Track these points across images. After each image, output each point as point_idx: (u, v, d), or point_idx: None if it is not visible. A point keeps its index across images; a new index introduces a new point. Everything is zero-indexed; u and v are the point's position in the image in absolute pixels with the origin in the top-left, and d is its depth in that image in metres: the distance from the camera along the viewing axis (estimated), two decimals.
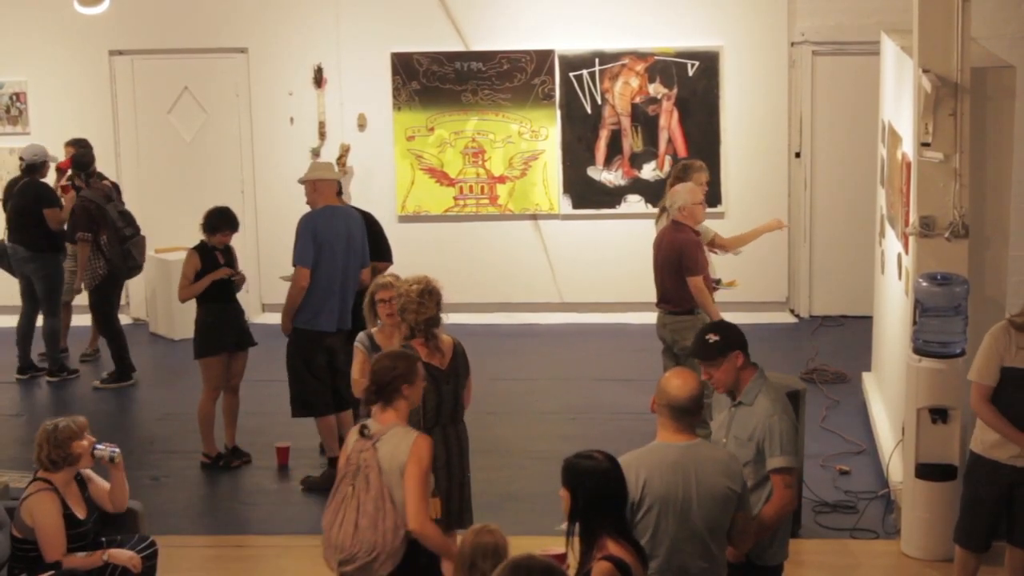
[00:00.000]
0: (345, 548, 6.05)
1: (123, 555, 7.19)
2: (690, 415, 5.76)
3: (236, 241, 10.54)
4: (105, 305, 12.17)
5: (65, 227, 12.13)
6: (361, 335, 7.97)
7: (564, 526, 5.36)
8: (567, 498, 5.29)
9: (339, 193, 10.19)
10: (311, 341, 9.67)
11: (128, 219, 12.17)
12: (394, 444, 6.17)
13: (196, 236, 10.27)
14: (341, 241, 9.76)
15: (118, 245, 12.00)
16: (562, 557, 5.54)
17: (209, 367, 10.09)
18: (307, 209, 10.11)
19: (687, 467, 5.68)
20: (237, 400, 10.28)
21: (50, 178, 12.62)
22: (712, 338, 6.25)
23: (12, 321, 13.22)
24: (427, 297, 7.20)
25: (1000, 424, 7.25)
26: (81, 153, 12.40)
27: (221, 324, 10.12)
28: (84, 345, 12.98)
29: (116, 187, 12.56)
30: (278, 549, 8.87)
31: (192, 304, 10.24)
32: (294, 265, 9.79)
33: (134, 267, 12.25)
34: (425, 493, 6.11)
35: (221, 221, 10.19)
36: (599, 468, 5.30)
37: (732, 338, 6.28)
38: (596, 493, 5.26)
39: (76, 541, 7.14)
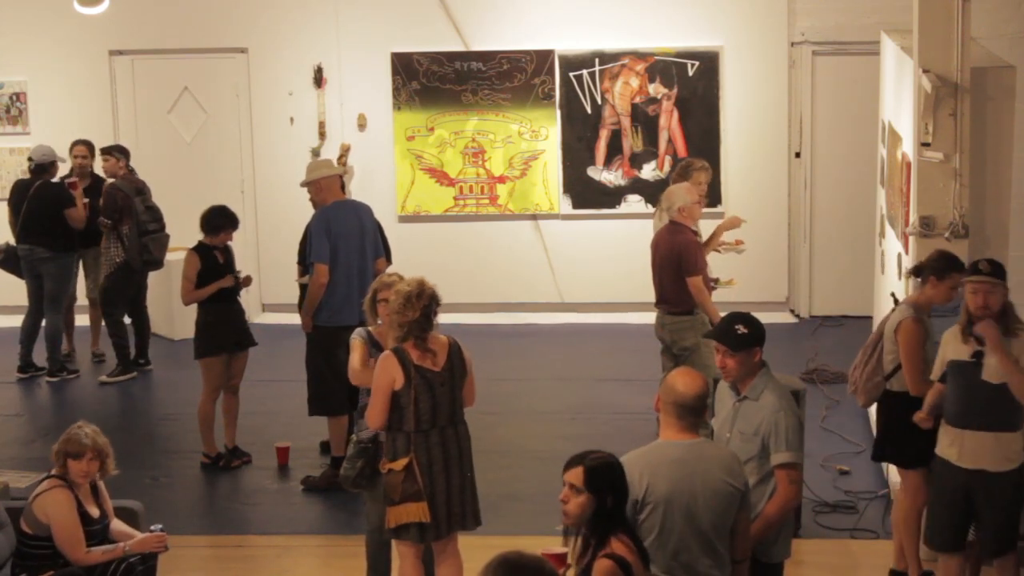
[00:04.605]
0: (854, 382, 8.07)
1: (143, 544, 7.16)
2: (695, 414, 5.76)
3: (236, 241, 10.54)
4: (114, 294, 12.26)
5: (86, 224, 12.30)
6: (359, 330, 7.91)
7: (561, 526, 5.36)
8: (587, 502, 5.24)
9: (342, 188, 10.20)
10: (332, 338, 9.58)
11: (155, 215, 12.30)
12: (892, 318, 7.86)
13: (196, 236, 10.26)
14: (355, 234, 9.78)
15: (137, 238, 12.08)
16: (563, 557, 5.53)
17: (209, 367, 10.09)
18: (310, 208, 10.12)
19: (691, 464, 5.67)
20: (237, 400, 10.27)
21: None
22: (741, 330, 6.25)
23: (12, 321, 13.26)
24: (413, 301, 7.11)
25: None
26: (119, 146, 12.59)
27: (222, 324, 10.11)
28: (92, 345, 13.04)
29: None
30: (278, 549, 8.87)
31: (193, 304, 10.23)
32: (310, 263, 9.77)
33: (150, 261, 12.31)
34: (919, 365, 7.64)
35: (223, 220, 10.18)
36: (620, 467, 5.30)
37: (757, 334, 6.30)
38: (622, 493, 5.26)
39: (87, 540, 7.11)
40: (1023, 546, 7.63)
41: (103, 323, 12.65)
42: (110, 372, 12.33)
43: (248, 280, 10.33)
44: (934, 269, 7.66)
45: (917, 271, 7.85)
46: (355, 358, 7.77)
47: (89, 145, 12.72)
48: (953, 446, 7.28)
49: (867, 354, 7.96)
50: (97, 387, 12.23)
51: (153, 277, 12.88)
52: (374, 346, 7.73)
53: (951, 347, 7.29)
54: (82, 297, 12.94)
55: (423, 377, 7.11)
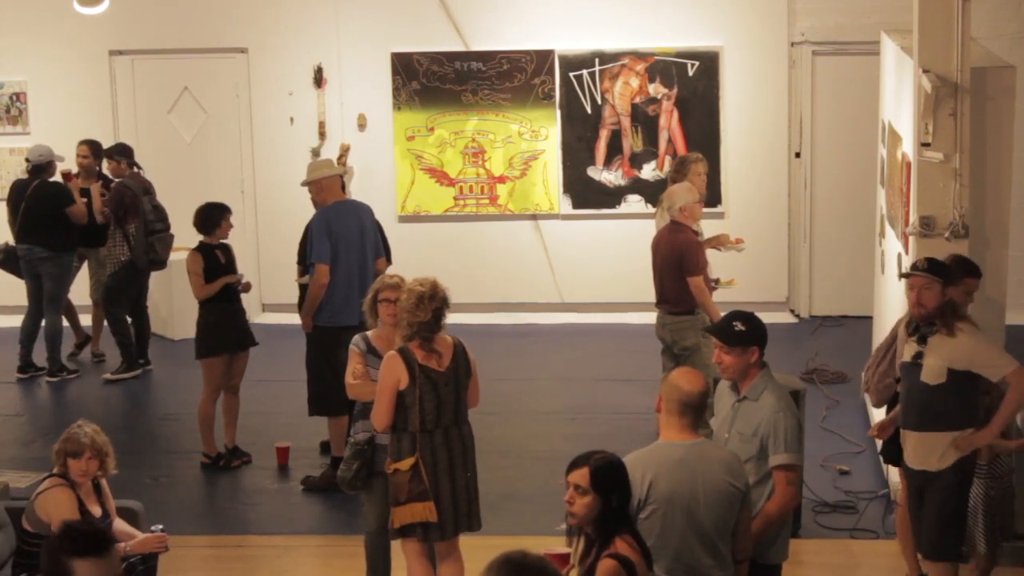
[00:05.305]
0: (867, 381, 8.20)
1: (144, 545, 7.17)
2: (697, 412, 5.78)
3: (236, 242, 10.52)
4: (118, 293, 12.30)
5: (87, 221, 12.32)
6: (356, 338, 7.85)
7: (564, 526, 5.36)
8: (592, 502, 5.24)
9: (342, 189, 10.20)
10: (332, 338, 9.56)
11: (160, 214, 12.35)
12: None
13: (194, 236, 10.25)
14: (355, 234, 9.78)
15: (144, 237, 12.13)
16: (566, 557, 5.53)
17: (210, 367, 10.08)
18: (310, 208, 10.12)
19: (693, 465, 5.69)
20: (237, 400, 10.27)
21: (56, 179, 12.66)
22: (739, 327, 6.26)
23: (12, 321, 13.26)
24: (425, 303, 7.12)
25: None
26: (121, 144, 12.66)
27: (223, 324, 10.11)
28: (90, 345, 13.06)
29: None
30: (278, 549, 8.87)
31: (193, 304, 10.24)
32: (310, 263, 9.76)
33: (155, 261, 12.36)
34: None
35: (218, 212, 10.15)
36: (624, 467, 5.30)
37: (756, 333, 6.30)
38: (626, 493, 5.27)
39: None
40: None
41: (104, 323, 12.70)
42: (114, 370, 12.35)
43: (248, 286, 10.33)
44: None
45: None
46: (348, 372, 7.76)
47: (92, 145, 12.72)
48: (904, 447, 7.34)
49: (880, 355, 7.96)
50: (98, 387, 12.24)
51: (154, 277, 12.88)
52: (371, 353, 7.70)
53: (905, 349, 7.32)
54: (86, 297, 12.94)
55: (428, 377, 7.11)
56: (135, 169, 12.39)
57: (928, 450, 7.18)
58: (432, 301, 7.12)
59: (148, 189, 12.36)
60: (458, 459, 7.24)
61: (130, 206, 12.15)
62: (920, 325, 7.17)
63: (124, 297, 12.37)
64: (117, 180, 12.34)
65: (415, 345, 7.15)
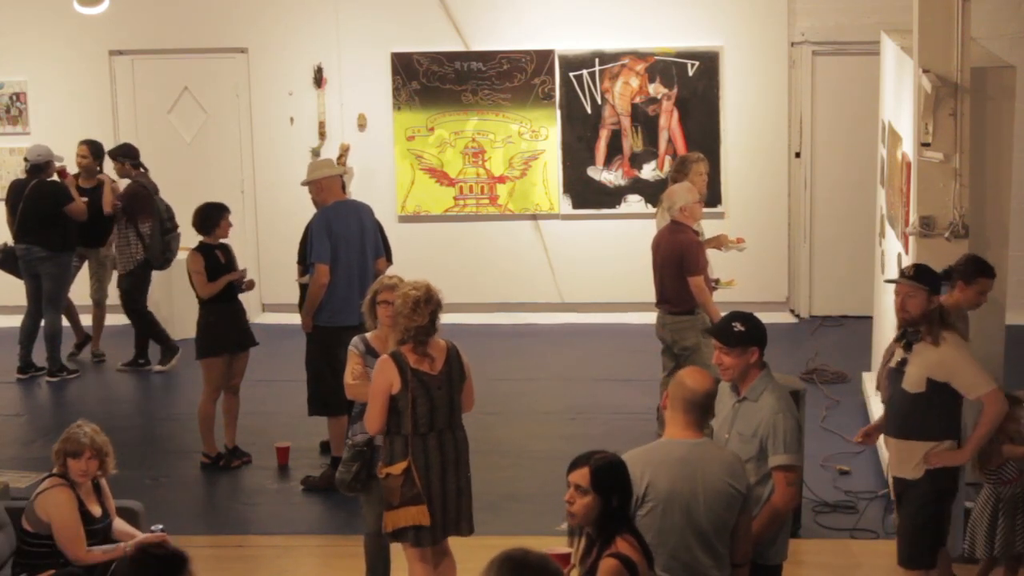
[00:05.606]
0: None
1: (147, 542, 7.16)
2: (702, 412, 5.79)
3: (236, 242, 10.52)
4: (136, 292, 12.37)
5: (86, 216, 12.34)
6: (356, 339, 7.86)
7: (564, 526, 5.36)
8: (593, 502, 5.25)
9: (343, 188, 10.21)
10: (332, 338, 9.55)
11: (170, 213, 12.41)
12: None
13: (195, 237, 10.25)
14: (356, 234, 9.79)
15: (159, 236, 12.19)
16: (567, 557, 5.53)
17: (211, 367, 10.08)
18: (310, 208, 10.12)
19: (694, 464, 5.69)
20: (237, 400, 10.27)
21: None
22: (738, 327, 6.26)
23: (12, 321, 13.26)
24: (422, 306, 7.11)
25: None
26: (125, 145, 12.71)
27: (223, 324, 10.10)
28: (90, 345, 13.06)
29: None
30: (278, 549, 8.87)
31: (193, 304, 10.23)
32: (310, 263, 9.76)
33: (169, 260, 12.45)
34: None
35: (217, 211, 10.13)
36: (625, 467, 5.31)
37: (756, 334, 6.30)
38: (627, 493, 5.27)
39: (89, 539, 7.10)
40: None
41: (104, 323, 12.72)
42: (160, 360, 12.45)
43: (251, 283, 10.33)
44: (962, 273, 7.65)
45: (946, 275, 7.82)
46: (347, 373, 7.76)
47: (92, 145, 12.72)
48: (888, 453, 7.33)
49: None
50: (98, 387, 12.26)
51: (154, 277, 12.87)
52: (370, 354, 7.69)
53: (894, 355, 7.32)
54: (86, 297, 12.94)
55: (420, 380, 7.11)
56: (140, 170, 12.40)
57: (906, 458, 7.16)
58: (428, 305, 7.12)
59: (158, 190, 12.42)
60: (451, 463, 7.23)
61: (144, 204, 12.18)
62: (907, 331, 7.16)
63: (141, 294, 12.43)
64: (130, 180, 12.37)
65: (408, 349, 7.15)
